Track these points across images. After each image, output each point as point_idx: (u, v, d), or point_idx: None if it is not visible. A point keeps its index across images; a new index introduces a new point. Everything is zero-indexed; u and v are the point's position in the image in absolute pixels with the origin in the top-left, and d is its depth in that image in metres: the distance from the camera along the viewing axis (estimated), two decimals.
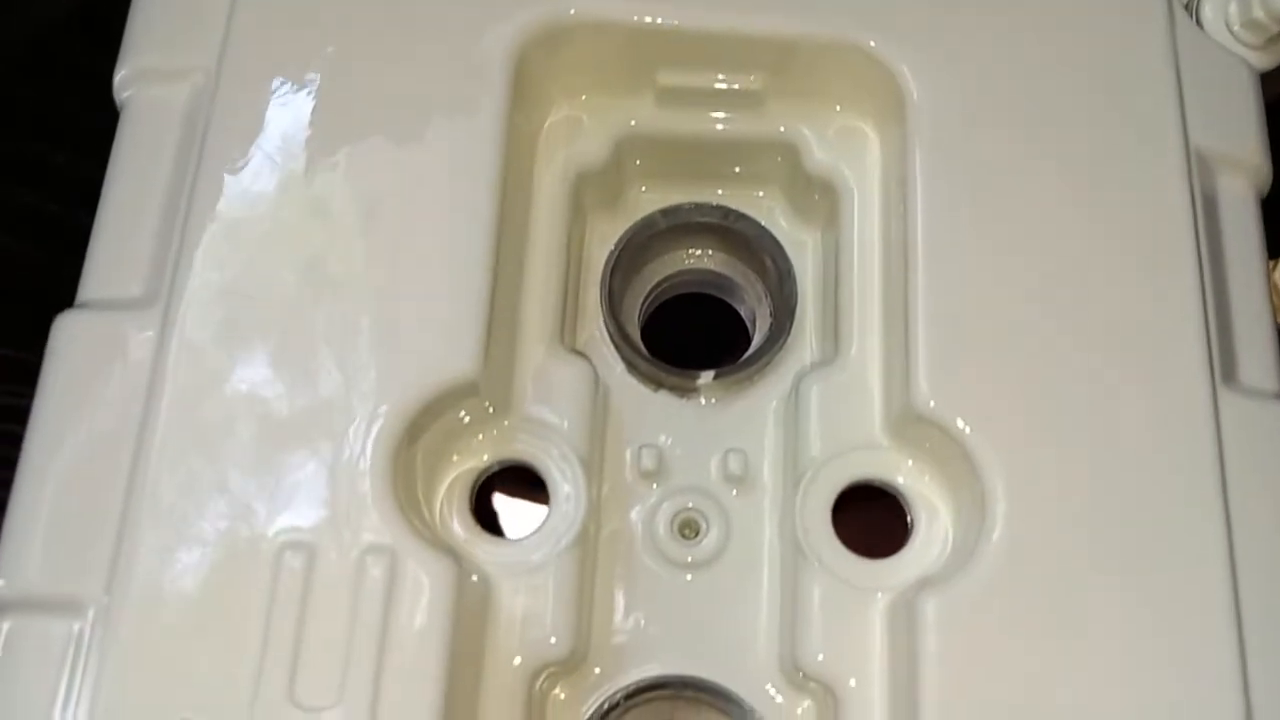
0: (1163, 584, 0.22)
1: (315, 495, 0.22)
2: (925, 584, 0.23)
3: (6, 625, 0.22)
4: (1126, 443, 0.23)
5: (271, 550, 0.21)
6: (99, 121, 0.27)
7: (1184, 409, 0.23)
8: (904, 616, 0.23)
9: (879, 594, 0.24)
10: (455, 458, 0.25)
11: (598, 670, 0.26)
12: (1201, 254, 0.25)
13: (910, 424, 0.24)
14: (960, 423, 0.23)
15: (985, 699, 0.22)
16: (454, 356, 0.23)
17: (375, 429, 0.22)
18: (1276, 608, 0.23)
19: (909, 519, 0.25)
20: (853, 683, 0.24)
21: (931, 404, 0.23)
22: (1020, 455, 0.23)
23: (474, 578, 0.23)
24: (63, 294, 0.25)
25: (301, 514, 0.21)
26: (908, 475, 0.25)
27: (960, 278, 0.24)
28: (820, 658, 0.24)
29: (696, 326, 0.32)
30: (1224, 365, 0.25)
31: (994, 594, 0.22)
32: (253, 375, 0.22)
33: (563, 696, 0.26)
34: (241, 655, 0.21)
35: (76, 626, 0.21)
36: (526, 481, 0.27)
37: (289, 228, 0.24)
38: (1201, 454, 0.23)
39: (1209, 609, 0.22)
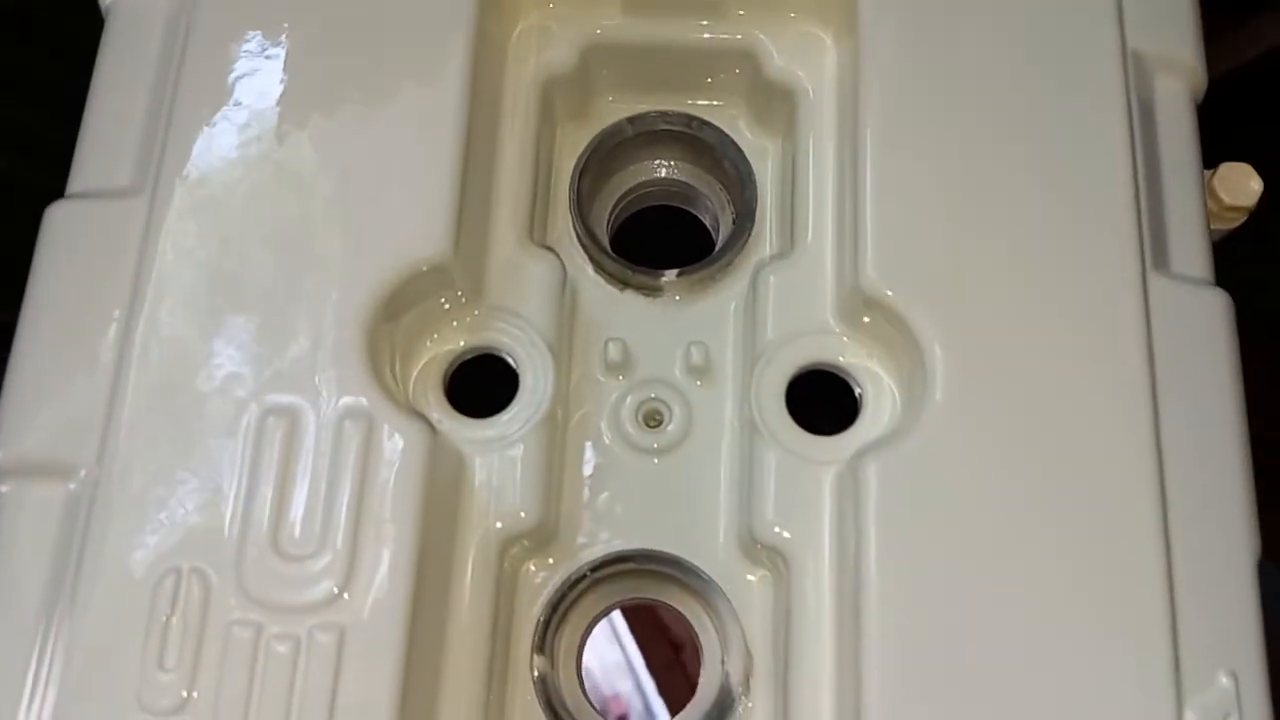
0: (1090, 449, 0.24)
1: (298, 363, 0.23)
2: (867, 450, 0.24)
3: (5, 489, 0.23)
4: (1060, 321, 0.25)
5: (256, 413, 0.23)
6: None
7: (1115, 289, 0.25)
8: (850, 483, 0.24)
9: (829, 467, 0.26)
10: (430, 342, 0.27)
11: (565, 547, 0.27)
12: (1136, 147, 0.26)
13: (858, 307, 0.26)
14: (903, 303, 0.25)
15: (923, 557, 0.23)
16: (425, 239, 0.24)
17: (353, 303, 0.23)
18: (1195, 470, 0.24)
19: (858, 395, 0.26)
20: (804, 549, 0.25)
21: (877, 286, 0.25)
22: (958, 332, 0.24)
23: (446, 450, 0.25)
24: None
25: (284, 381, 0.23)
26: (855, 356, 0.27)
27: (905, 174, 0.26)
28: (774, 528, 0.26)
29: (663, 238, 0.33)
30: (1155, 253, 0.26)
31: (931, 458, 0.24)
32: (236, 254, 0.24)
33: (532, 568, 0.27)
34: (227, 511, 0.22)
35: (71, 487, 0.23)
36: (498, 376, 0.28)
37: (270, 122, 0.25)
38: (1130, 330, 0.25)
39: (1133, 474, 0.24)
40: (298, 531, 0.22)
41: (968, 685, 0.22)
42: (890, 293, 0.25)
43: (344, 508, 0.22)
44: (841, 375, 0.27)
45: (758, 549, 0.26)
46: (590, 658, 0.28)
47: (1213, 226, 0.31)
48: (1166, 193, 0.27)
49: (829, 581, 0.25)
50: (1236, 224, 0.32)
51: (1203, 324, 0.26)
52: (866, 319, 0.26)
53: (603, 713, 0.27)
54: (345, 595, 0.22)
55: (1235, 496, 0.25)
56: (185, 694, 0.21)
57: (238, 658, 0.21)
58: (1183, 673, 0.23)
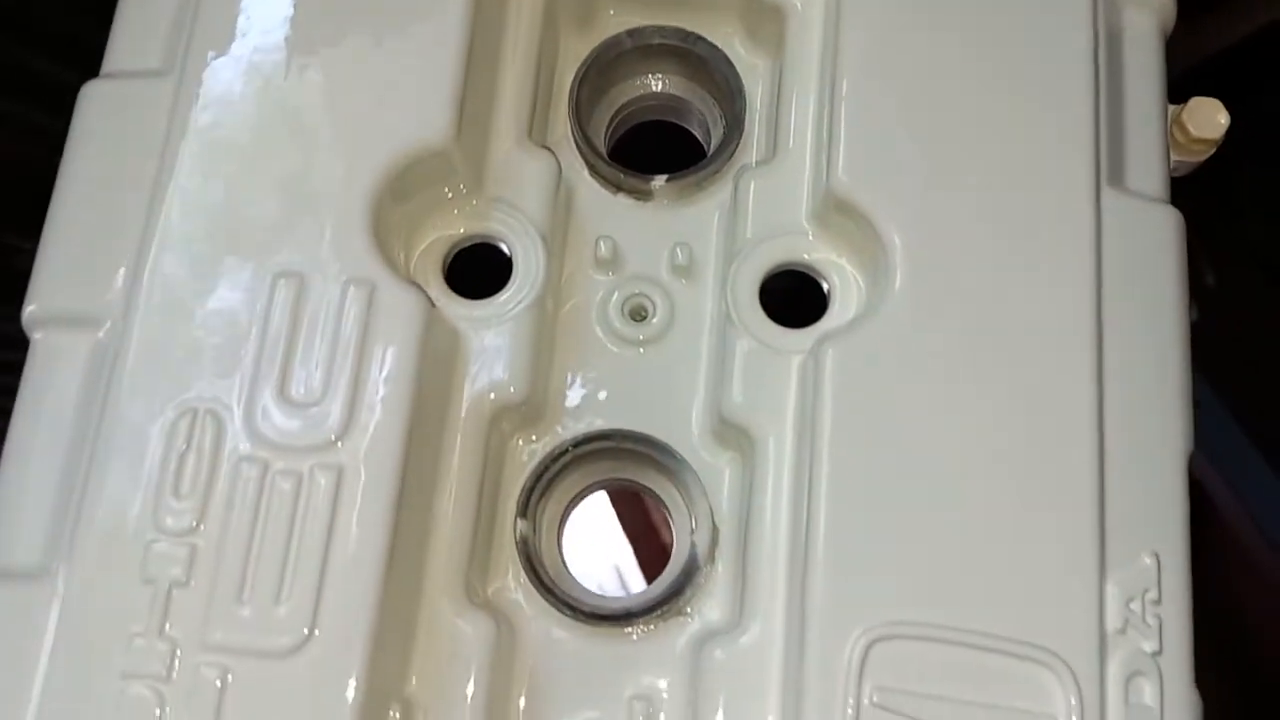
0: (1036, 341, 0.26)
1: (309, 233, 0.25)
2: (828, 337, 0.26)
3: (38, 337, 0.25)
4: (1017, 224, 0.26)
5: (268, 277, 0.25)
6: None
7: (1070, 199, 0.27)
8: (811, 368, 0.26)
9: (795, 356, 0.28)
10: (432, 228, 0.29)
11: (551, 424, 0.29)
12: (1100, 68, 0.28)
13: (830, 209, 0.28)
14: (870, 203, 0.27)
15: (874, 432, 0.25)
16: (429, 125, 0.26)
17: (360, 181, 0.25)
18: (1134, 368, 0.26)
19: (825, 290, 0.28)
20: (768, 430, 0.27)
21: (847, 188, 0.27)
22: (919, 230, 0.26)
23: (442, 323, 0.27)
24: None
25: (296, 248, 0.25)
26: (824, 254, 0.29)
27: (879, 86, 0.28)
28: (742, 411, 0.28)
29: (657, 152, 0.35)
30: (1112, 169, 0.28)
31: (886, 343, 0.26)
32: (256, 133, 0.26)
33: (520, 444, 0.29)
34: (239, 361, 0.24)
35: (100, 336, 0.25)
36: (493, 267, 0.30)
37: (287, 11, 0.27)
38: (1081, 237, 0.27)
39: (1074, 366, 0.26)
40: (302, 383, 0.24)
41: (908, 548, 0.24)
42: (858, 194, 0.27)
43: (346, 364, 0.24)
44: (810, 273, 0.29)
45: (727, 431, 0.28)
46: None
47: (1179, 158, 0.32)
48: (1128, 115, 0.29)
49: (789, 460, 0.27)
50: (1203, 157, 0.34)
51: (1153, 237, 0.28)
52: (836, 220, 0.28)
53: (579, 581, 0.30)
54: (343, 442, 0.24)
55: (1171, 397, 0.27)
56: (196, 521, 0.23)
57: (245, 490, 0.23)
58: (1108, 548, 0.25)
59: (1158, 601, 0.25)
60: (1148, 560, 0.25)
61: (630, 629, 0.28)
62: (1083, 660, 0.24)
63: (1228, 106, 0.35)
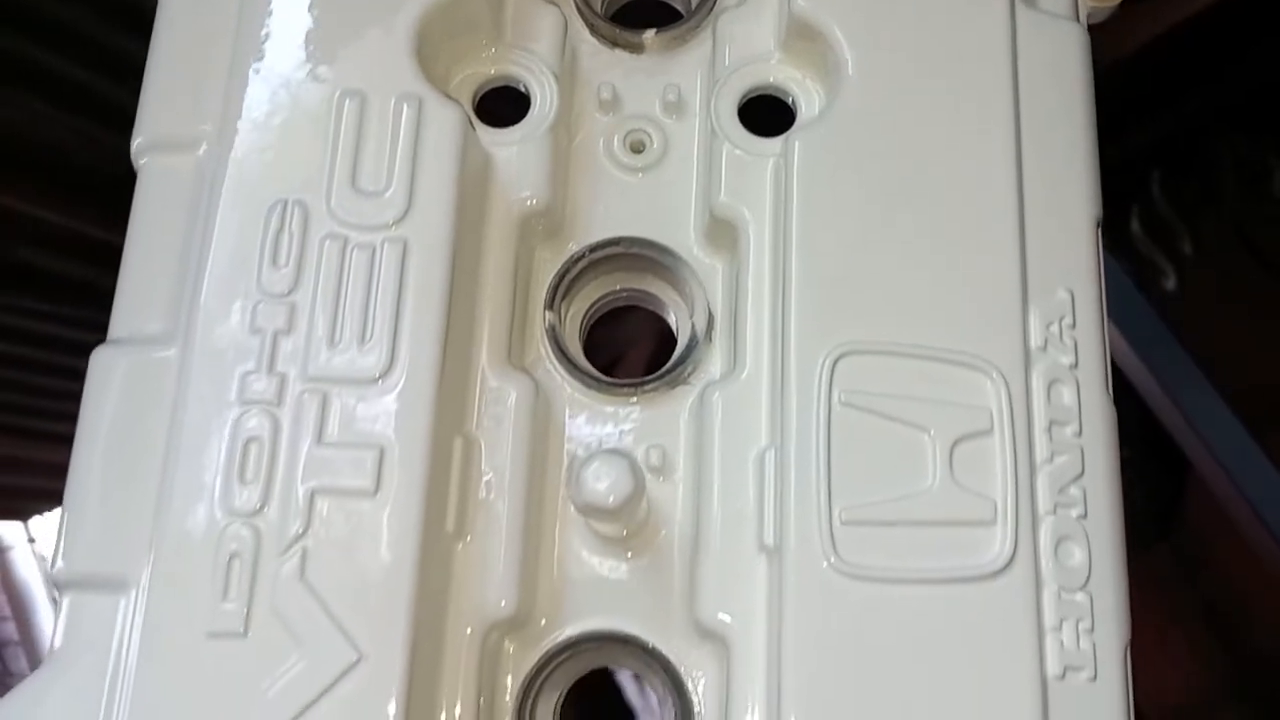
0: (966, 133, 0.31)
1: (369, 60, 0.31)
2: (793, 134, 0.32)
3: (144, 161, 0.31)
4: (947, 33, 0.32)
5: (336, 94, 0.30)
6: None
7: (990, 16, 0.32)
8: (782, 161, 0.32)
9: (770, 158, 0.33)
10: (463, 68, 0.34)
11: (569, 241, 0.35)
12: None
13: (794, 36, 0.33)
14: (826, 24, 0.32)
15: (837, 206, 0.31)
16: None
17: (408, 14, 0.31)
18: (1048, 152, 0.32)
19: (790, 103, 0.34)
20: (749, 226, 0.33)
21: (806, 11, 0.32)
22: (865, 46, 0.32)
23: (476, 141, 0.32)
24: None
25: (357, 72, 0.31)
26: (789, 73, 0.34)
27: None
28: (728, 207, 0.33)
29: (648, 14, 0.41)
30: None
31: (840, 133, 0.31)
32: None
33: (544, 256, 0.35)
34: (317, 160, 0.30)
35: (201, 152, 0.31)
36: (511, 108, 0.36)
37: None
38: (999, 47, 0.32)
39: (996, 148, 0.31)
40: (370, 177, 0.30)
41: (865, 287, 0.30)
42: (816, 15, 0.32)
43: (404, 161, 0.30)
44: (778, 93, 0.34)
45: (717, 229, 0.34)
46: None
47: (1093, 4, 0.38)
48: None
49: (768, 240, 0.32)
50: (1112, 4, 0.39)
51: (1062, 44, 0.33)
52: (799, 44, 0.33)
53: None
54: (405, 221, 0.29)
55: (1080, 172, 0.32)
56: (293, 285, 0.29)
57: (330, 260, 0.29)
58: (1029, 283, 0.30)
59: (1073, 327, 0.30)
60: (1063, 294, 0.31)
61: (641, 396, 0.33)
62: (1011, 366, 0.29)
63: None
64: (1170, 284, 0.91)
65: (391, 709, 0.26)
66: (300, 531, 0.27)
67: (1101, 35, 0.35)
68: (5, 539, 1.81)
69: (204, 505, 0.27)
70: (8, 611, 1.80)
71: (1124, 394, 0.31)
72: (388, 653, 0.26)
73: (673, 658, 0.31)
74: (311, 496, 0.27)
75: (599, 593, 0.32)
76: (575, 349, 0.35)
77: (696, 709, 0.30)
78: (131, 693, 0.26)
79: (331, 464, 0.28)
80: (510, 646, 0.31)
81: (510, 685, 0.31)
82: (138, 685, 0.26)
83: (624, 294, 0.37)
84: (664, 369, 0.34)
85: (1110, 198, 0.33)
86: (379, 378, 0.28)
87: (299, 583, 0.27)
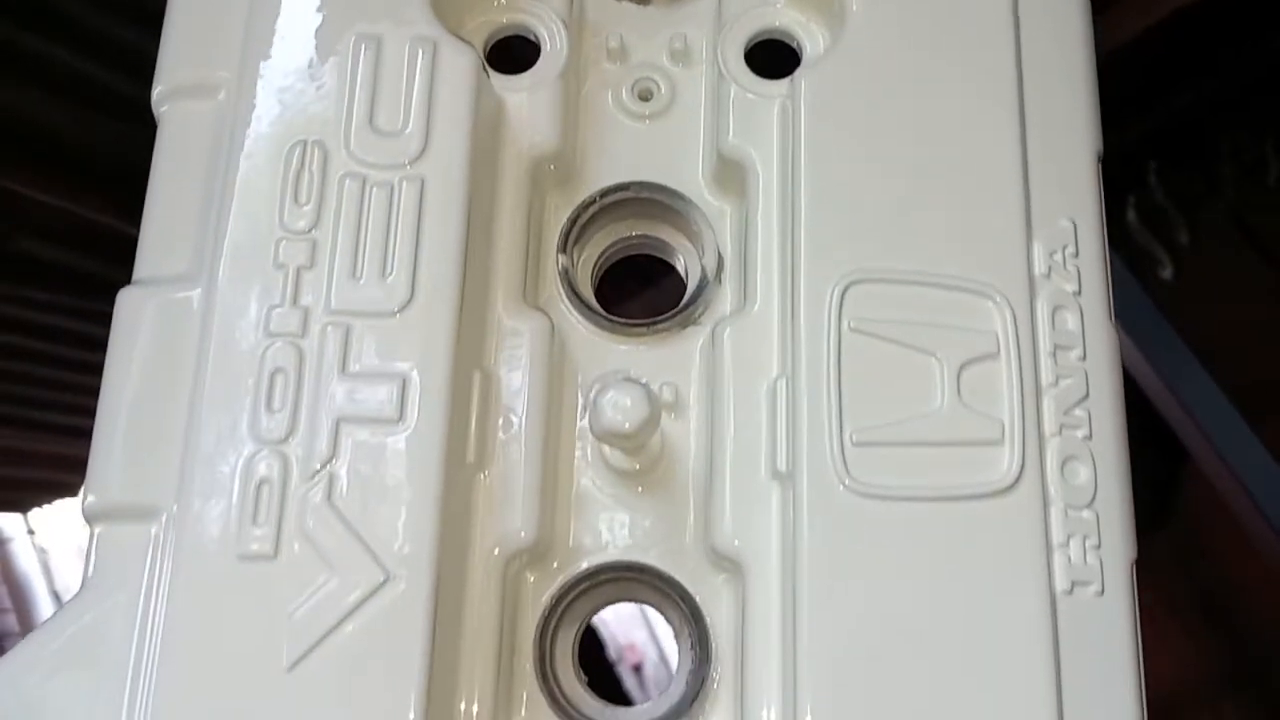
0: (968, 72, 0.32)
1: (380, 4, 0.31)
2: (800, 75, 0.33)
3: (165, 109, 0.32)
4: None
5: (352, 39, 0.31)
6: None
7: None
8: (788, 102, 0.33)
9: (777, 99, 0.34)
10: (470, 18, 0.35)
11: (579, 189, 0.36)
12: None
13: None
14: None
15: (844, 139, 0.32)
16: None
17: None
18: (1049, 85, 0.33)
19: (795, 47, 0.35)
20: (756, 167, 0.34)
21: None
22: None
23: (489, 85, 0.33)
24: None
25: (370, 15, 0.31)
26: (793, 15, 0.35)
27: None
28: (736, 149, 0.34)
29: None
30: None
31: (844, 72, 0.32)
32: None
33: (556, 204, 0.36)
34: (334, 102, 0.30)
35: (221, 97, 0.31)
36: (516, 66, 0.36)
37: None
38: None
39: (997, 86, 0.32)
40: (387, 116, 0.30)
41: (871, 213, 0.31)
42: None
43: (415, 101, 0.30)
44: (783, 36, 0.35)
45: (725, 170, 0.35)
46: None
47: None
48: None
49: (776, 180, 0.33)
50: None
51: None
52: None
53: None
54: (422, 159, 0.30)
55: (1081, 106, 0.33)
56: (314, 221, 0.29)
57: (350, 197, 0.30)
58: (1033, 213, 0.31)
59: (1076, 256, 0.31)
60: (1065, 223, 0.31)
61: (654, 335, 0.34)
62: (1016, 291, 0.30)
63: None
64: (1167, 274, 0.91)
65: (420, 624, 0.26)
66: (327, 458, 0.28)
67: (1099, 24, 0.36)
68: (5, 531, 1.82)
69: (233, 434, 0.28)
70: (8, 603, 1.81)
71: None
72: (415, 571, 0.27)
73: (689, 586, 0.32)
74: (337, 424, 0.28)
75: (616, 526, 0.32)
76: (587, 292, 0.35)
77: (713, 636, 0.31)
78: (165, 613, 0.27)
79: (355, 393, 0.28)
80: (531, 577, 0.32)
81: (532, 616, 0.32)
82: (171, 606, 0.27)
83: (635, 240, 0.37)
84: (675, 309, 0.34)
85: (1107, 188, 0.33)
86: (399, 310, 0.29)
87: (327, 507, 0.27)
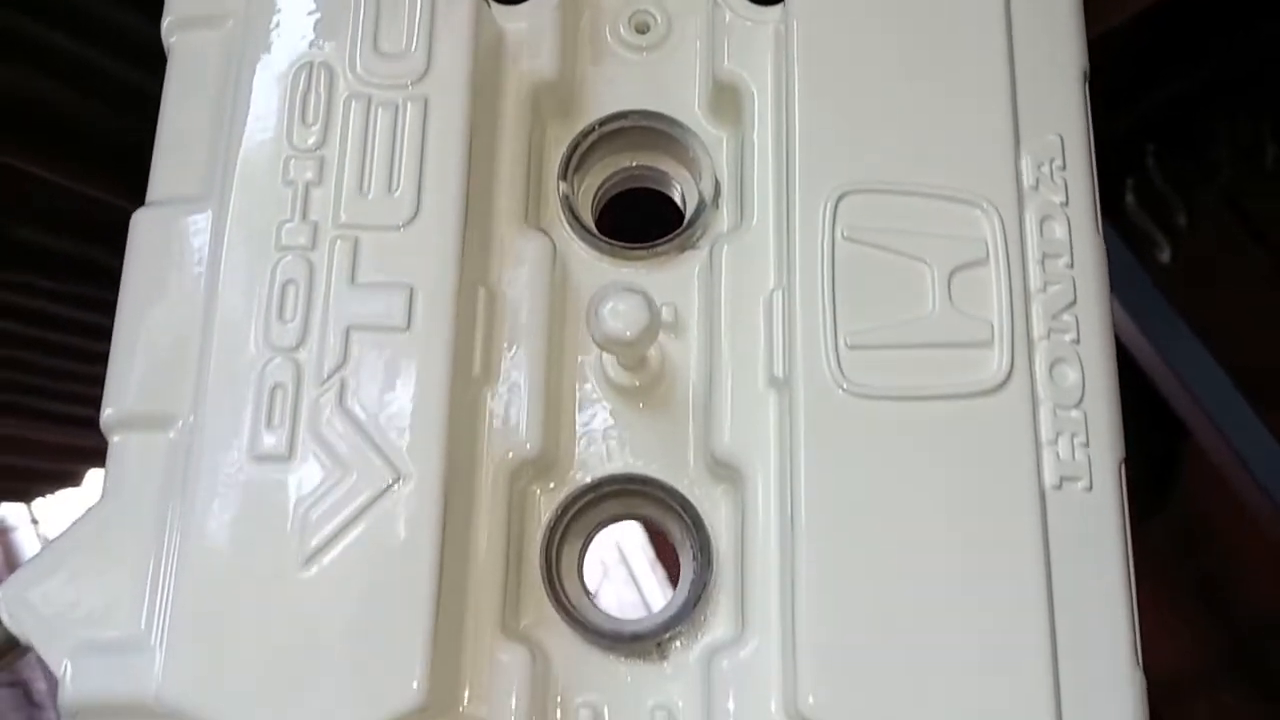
0: (951, 13, 0.33)
1: None
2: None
3: (174, 40, 0.33)
4: None
5: None
6: None
7: None
8: (783, 27, 0.34)
9: (770, 24, 0.35)
10: None
11: (578, 115, 0.37)
12: None
13: None
14: None
15: (836, 61, 0.32)
16: None
17: None
18: (1041, 42, 0.33)
19: None
20: (751, 90, 0.35)
21: None
22: None
23: (490, 17, 0.34)
24: None
25: None
26: None
27: None
28: (731, 74, 0.35)
29: None
30: None
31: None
32: None
33: (559, 134, 0.36)
34: (340, 25, 0.31)
35: (230, 25, 0.32)
36: None
37: None
38: None
39: (987, 40, 0.33)
40: (390, 39, 0.31)
41: (862, 129, 0.31)
42: None
43: (418, 23, 0.31)
44: None
45: (721, 97, 0.35)
46: None
47: None
48: None
49: (770, 106, 0.34)
50: None
51: None
52: None
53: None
54: (425, 79, 0.31)
55: (1067, 27, 0.34)
56: (321, 140, 0.30)
57: (356, 116, 0.31)
58: (1021, 127, 0.32)
59: (1063, 169, 0.32)
60: (1052, 138, 0.32)
61: (653, 259, 0.35)
62: (1005, 200, 0.31)
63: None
64: (1165, 256, 0.92)
65: (430, 521, 0.27)
66: (338, 364, 0.29)
67: (1095, 6, 0.37)
68: (8, 520, 1.83)
69: (247, 342, 0.29)
70: None
71: (1120, 364, 0.32)
72: (424, 471, 0.28)
73: (690, 497, 0.33)
74: (347, 332, 0.29)
75: (617, 441, 0.33)
76: (588, 218, 0.36)
77: (714, 543, 0.32)
78: (183, 513, 0.28)
79: (365, 303, 0.29)
80: (536, 491, 0.33)
81: (538, 528, 0.32)
82: (188, 506, 0.28)
83: (634, 171, 0.38)
84: (674, 232, 0.35)
85: (1105, 171, 0.34)
86: (405, 224, 0.30)
87: (339, 410, 0.28)
